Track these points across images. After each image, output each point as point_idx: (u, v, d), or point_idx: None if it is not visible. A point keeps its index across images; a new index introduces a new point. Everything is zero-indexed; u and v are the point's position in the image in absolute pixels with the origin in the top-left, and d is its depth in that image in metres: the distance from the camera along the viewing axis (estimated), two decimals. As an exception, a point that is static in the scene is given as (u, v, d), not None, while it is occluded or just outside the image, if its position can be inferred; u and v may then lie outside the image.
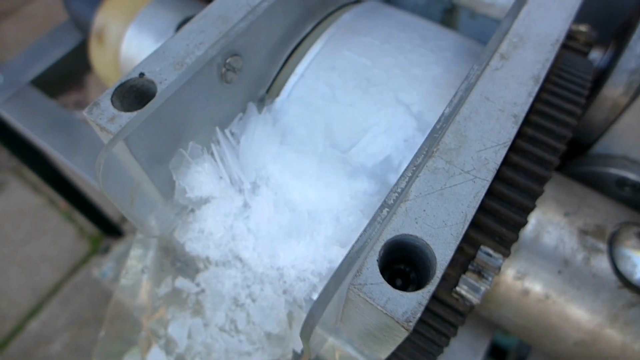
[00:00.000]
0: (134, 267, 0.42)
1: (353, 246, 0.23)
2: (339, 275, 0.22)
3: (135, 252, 0.43)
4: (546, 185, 0.42)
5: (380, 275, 0.22)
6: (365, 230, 0.23)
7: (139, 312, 0.42)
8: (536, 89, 0.29)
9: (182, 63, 0.30)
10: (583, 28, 0.47)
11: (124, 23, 0.53)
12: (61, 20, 0.73)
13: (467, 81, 0.28)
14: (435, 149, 0.26)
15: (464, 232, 0.23)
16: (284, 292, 0.33)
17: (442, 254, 0.23)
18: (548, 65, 0.30)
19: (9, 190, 1.66)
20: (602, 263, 0.38)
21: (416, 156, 0.25)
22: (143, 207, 0.33)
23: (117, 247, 0.89)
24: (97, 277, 0.82)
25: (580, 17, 0.60)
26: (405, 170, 0.25)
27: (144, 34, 0.53)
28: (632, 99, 0.41)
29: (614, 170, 0.45)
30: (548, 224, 0.39)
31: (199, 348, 0.40)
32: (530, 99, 0.28)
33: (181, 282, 0.39)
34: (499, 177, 0.28)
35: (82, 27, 0.63)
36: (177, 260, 0.40)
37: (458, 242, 0.23)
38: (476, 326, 0.49)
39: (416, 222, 0.24)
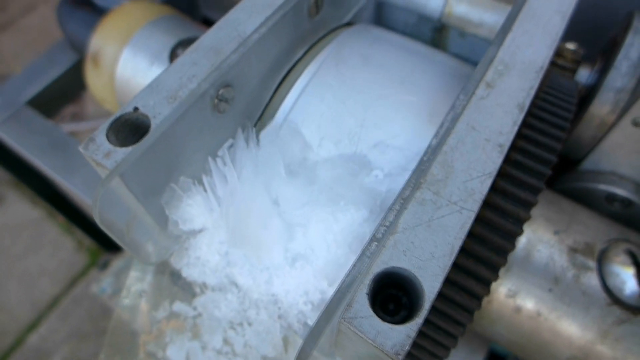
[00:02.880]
0: (133, 289, 0.43)
1: (343, 280, 0.23)
2: (329, 310, 0.22)
3: (135, 274, 0.43)
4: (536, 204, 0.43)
5: (370, 309, 0.23)
6: (354, 265, 0.23)
7: (138, 334, 0.43)
8: (521, 117, 0.30)
9: (176, 97, 0.31)
10: (571, 46, 0.48)
11: (119, 46, 0.54)
12: (58, 33, 0.74)
13: (453, 111, 0.29)
14: (422, 180, 0.27)
15: (451, 263, 0.24)
16: (279, 317, 0.34)
17: (430, 286, 0.23)
18: (532, 92, 0.31)
19: (8, 204, 1.66)
20: (591, 280, 0.39)
21: (404, 189, 0.26)
22: (139, 237, 0.34)
23: (116, 262, 0.89)
24: (95, 293, 0.82)
25: (568, 34, 0.61)
26: (394, 203, 0.25)
27: (138, 56, 0.53)
28: (619, 117, 0.42)
29: (603, 186, 0.46)
30: (538, 242, 0.40)
31: (197, 371, 0.40)
32: (515, 128, 0.29)
33: (179, 306, 0.40)
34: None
35: (78, 48, 0.63)
36: (174, 285, 0.41)
37: (445, 274, 0.24)
38: (471, 341, 0.50)
39: (404, 255, 0.24)
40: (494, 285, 0.41)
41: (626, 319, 0.38)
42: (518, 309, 0.40)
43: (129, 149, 0.29)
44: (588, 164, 0.46)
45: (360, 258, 0.24)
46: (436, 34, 0.54)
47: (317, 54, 0.39)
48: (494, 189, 0.29)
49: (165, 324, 0.41)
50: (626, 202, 0.45)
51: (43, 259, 1.55)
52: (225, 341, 0.38)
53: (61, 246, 1.58)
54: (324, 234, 0.31)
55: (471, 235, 0.29)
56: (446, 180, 0.27)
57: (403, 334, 0.22)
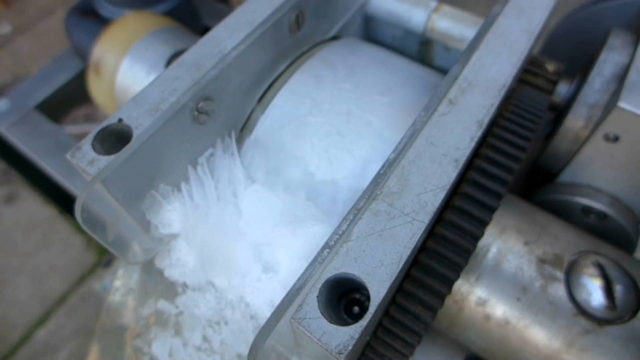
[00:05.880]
0: (120, 288, 0.45)
1: (294, 284, 0.25)
2: (279, 310, 0.24)
3: (122, 273, 0.46)
4: (509, 215, 0.44)
5: (319, 311, 0.25)
6: (306, 270, 0.25)
7: (125, 330, 0.45)
8: (479, 133, 0.31)
9: (157, 109, 0.33)
10: (551, 61, 0.49)
11: (119, 55, 0.57)
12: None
13: (412, 127, 0.31)
14: (379, 192, 0.28)
15: (398, 271, 0.26)
16: (251, 317, 0.36)
17: (377, 291, 0.25)
18: (493, 110, 0.33)
19: (20, 202, 1.71)
20: (558, 291, 0.40)
21: (359, 200, 0.28)
22: (124, 238, 0.36)
23: (119, 261, 0.92)
24: (99, 291, 0.86)
25: (554, 49, 0.62)
26: (348, 213, 0.27)
27: (137, 66, 0.56)
28: (592, 132, 0.43)
29: (579, 199, 0.47)
30: (508, 252, 0.41)
31: (179, 366, 0.42)
32: (473, 144, 0.31)
33: (162, 304, 0.42)
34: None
35: (83, 56, 0.67)
36: (159, 284, 0.43)
37: (392, 281, 0.26)
38: (448, 346, 0.51)
39: (355, 262, 0.26)
40: (465, 292, 0.42)
41: (591, 329, 0.39)
42: (488, 317, 0.41)
43: (111, 157, 0.31)
44: (565, 176, 0.48)
45: (312, 264, 0.26)
46: (422, 47, 0.55)
47: (297, 68, 0.41)
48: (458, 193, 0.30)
49: (150, 320, 0.43)
50: (601, 215, 0.46)
51: (53, 256, 1.60)
52: (204, 338, 0.40)
53: (71, 244, 1.62)
54: (286, 248, 0.33)
55: (427, 248, 0.31)
56: (401, 192, 0.29)
57: (347, 334, 0.24)
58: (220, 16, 0.85)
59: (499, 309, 0.41)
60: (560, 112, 0.49)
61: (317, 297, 0.25)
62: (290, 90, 0.40)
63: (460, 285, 0.42)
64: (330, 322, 0.24)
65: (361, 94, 0.39)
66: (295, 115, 0.39)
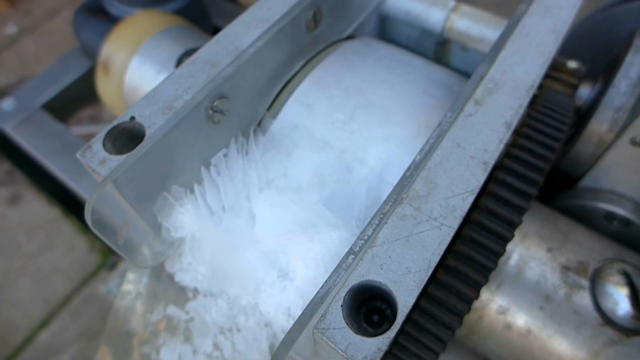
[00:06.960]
0: (129, 292, 0.44)
1: (318, 292, 0.24)
2: (302, 320, 0.23)
3: (132, 276, 0.44)
4: (531, 221, 0.42)
5: (343, 321, 0.23)
6: (330, 277, 0.24)
7: (133, 335, 0.44)
8: (508, 135, 0.30)
9: (171, 107, 0.32)
10: (572, 64, 0.48)
11: (128, 54, 0.56)
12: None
13: (439, 128, 0.30)
14: (405, 195, 0.27)
15: (426, 279, 0.24)
16: (266, 324, 0.34)
17: (404, 300, 0.24)
18: (521, 111, 0.31)
19: (24, 203, 1.70)
20: (583, 299, 0.38)
21: (384, 204, 0.26)
22: (134, 241, 0.35)
23: (124, 264, 0.91)
24: (103, 294, 0.84)
25: (574, 50, 0.61)
26: (373, 217, 0.26)
27: (146, 65, 0.55)
28: (617, 136, 0.42)
29: (602, 205, 0.45)
30: (530, 259, 0.40)
31: (188, 374, 0.41)
32: (501, 146, 0.29)
33: (172, 309, 0.41)
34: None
35: (91, 55, 0.66)
36: (169, 289, 0.42)
37: (420, 289, 0.24)
38: (465, 356, 0.49)
39: (381, 269, 0.25)
40: (485, 300, 0.41)
41: (618, 340, 0.37)
42: (509, 326, 0.40)
43: (123, 157, 0.30)
44: (587, 181, 0.46)
45: (336, 271, 0.24)
46: (439, 47, 0.54)
47: (313, 67, 0.40)
48: (479, 206, 0.29)
49: (159, 326, 0.42)
50: (625, 221, 0.45)
51: (57, 257, 1.59)
52: (215, 345, 0.39)
53: (75, 246, 1.61)
54: (303, 255, 0.32)
55: (445, 265, 0.29)
56: (428, 196, 0.27)
57: (374, 346, 0.23)
58: (230, 16, 0.84)
59: (521, 318, 0.39)
60: (582, 115, 0.48)
61: (342, 305, 0.24)
62: (282, 123, 0.38)
63: (480, 293, 0.40)
64: (356, 333, 0.23)
65: (357, 127, 0.37)
66: (287, 151, 0.37)
